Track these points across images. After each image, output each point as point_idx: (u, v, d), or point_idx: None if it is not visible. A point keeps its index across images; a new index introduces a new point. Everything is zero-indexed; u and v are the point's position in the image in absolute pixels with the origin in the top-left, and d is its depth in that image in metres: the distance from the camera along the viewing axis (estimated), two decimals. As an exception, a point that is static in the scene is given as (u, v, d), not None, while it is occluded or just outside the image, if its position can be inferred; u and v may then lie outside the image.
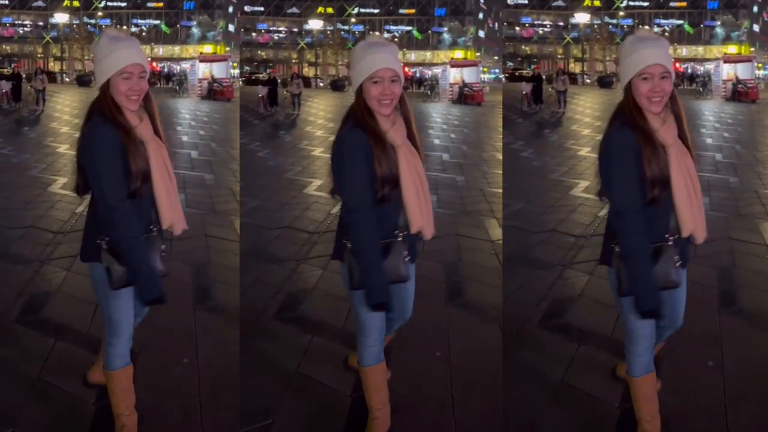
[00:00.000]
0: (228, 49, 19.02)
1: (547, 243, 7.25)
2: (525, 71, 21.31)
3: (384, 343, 3.82)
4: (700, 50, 22.40)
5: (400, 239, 3.51)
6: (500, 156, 12.13)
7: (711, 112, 18.12)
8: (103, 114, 3.41)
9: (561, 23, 22.80)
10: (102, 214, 3.41)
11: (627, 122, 3.30)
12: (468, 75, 21.29)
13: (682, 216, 3.33)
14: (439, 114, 19.38)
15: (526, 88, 18.84)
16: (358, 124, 3.44)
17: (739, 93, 19.39)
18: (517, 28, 22.56)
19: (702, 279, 5.79)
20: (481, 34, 21.76)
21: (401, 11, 22.34)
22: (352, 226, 3.42)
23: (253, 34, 20.46)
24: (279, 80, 18.60)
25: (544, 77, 19.63)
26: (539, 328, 5.27)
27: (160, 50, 19.51)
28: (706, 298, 5.53)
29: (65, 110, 17.36)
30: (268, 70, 20.48)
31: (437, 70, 21.52)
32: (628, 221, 3.28)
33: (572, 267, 6.42)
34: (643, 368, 3.58)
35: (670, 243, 3.36)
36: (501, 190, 9.14)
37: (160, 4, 19.84)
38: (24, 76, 17.57)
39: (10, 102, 16.84)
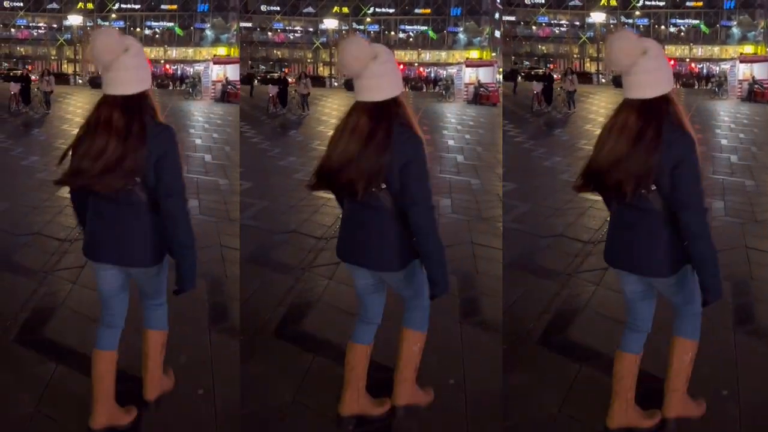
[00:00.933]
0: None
1: (553, 248, 6.98)
2: (541, 70, 21.08)
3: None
4: (715, 50, 22.20)
5: None
6: (516, 159, 11.80)
7: (726, 112, 17.76)
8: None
9: (577, 23, 22.59)
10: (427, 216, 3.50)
11: (683, 127, 3.32)
12: (483, 75, 21.04)
13: None
14: (453, 114, 19.12)
15: (537, 87, 18.50)
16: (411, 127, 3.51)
17: (756, 93, 18.97)
18: (534, 27, 22.47)
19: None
20: (497, 34, 21.52)
21: (417, 11, 22.08)
22: (434, 223, 3.53)
23: (269, 33, 20.27)
24: (292, 79, 18.37)
25: (557, 76, 19.34)
26: (539, 345, 4.97)
27: (174, 52, 19.36)
28: (720, 315, 5.09)
29: (77, 112, 17.15)
30: (284, 69, 20.30)
31: (452, 70, 21.30)
32: (708, 219, 3.37)
33: (578, 275, 6.14)
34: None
35: None
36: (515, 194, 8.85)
37: (174, 7, 19.69)
38: (36, 77, 17.36)
39: (19, 104, 16.56)
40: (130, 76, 3.33)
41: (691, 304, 3.61)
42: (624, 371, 3.72)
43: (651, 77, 3.24)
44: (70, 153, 3.48)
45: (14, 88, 16.50)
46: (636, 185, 3.28)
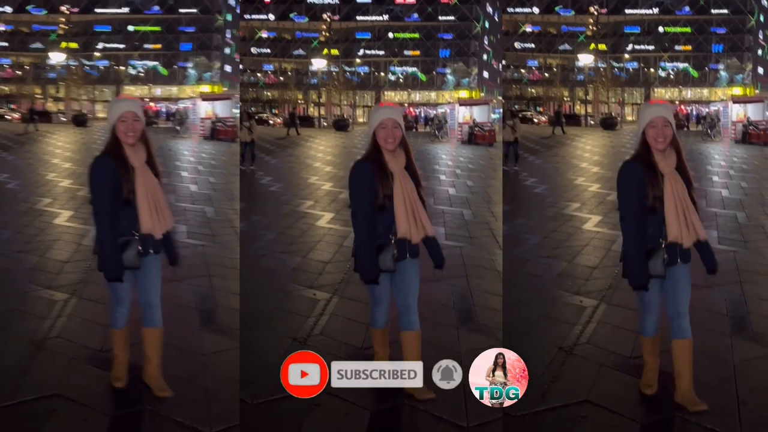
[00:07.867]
0: (225, 89, 15.91)
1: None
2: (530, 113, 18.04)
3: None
4: (704, 92, 19.69)
5: (392, 241, 3.82)
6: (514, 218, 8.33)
7: (722, 155, 14.18)
8: None
9: (567, 66, 20.30)
10: None
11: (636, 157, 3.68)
12: (478, 114, 18.00)
13: (669, 226, 3.64)
14: (449, 156, 15.42)
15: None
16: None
17: (750, 135, 15.47)
18: (523, 71, 19.80)
19: None
20: (486, 74, 18.71)
21: (406, 53, 19.25)
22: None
23: (259, 74, 17.42)
24: (278, 120, 15.11)
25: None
26: None
27: (158, 91, 16.74)
28: None
29: (56, 152, 14.05)
30: (274, 110, 17.38)
31: (442, 110, 18.37)
32: None
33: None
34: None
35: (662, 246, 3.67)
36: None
37: (158, 46, 17.05)
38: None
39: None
40: None
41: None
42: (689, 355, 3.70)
43: None
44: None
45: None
46: None
